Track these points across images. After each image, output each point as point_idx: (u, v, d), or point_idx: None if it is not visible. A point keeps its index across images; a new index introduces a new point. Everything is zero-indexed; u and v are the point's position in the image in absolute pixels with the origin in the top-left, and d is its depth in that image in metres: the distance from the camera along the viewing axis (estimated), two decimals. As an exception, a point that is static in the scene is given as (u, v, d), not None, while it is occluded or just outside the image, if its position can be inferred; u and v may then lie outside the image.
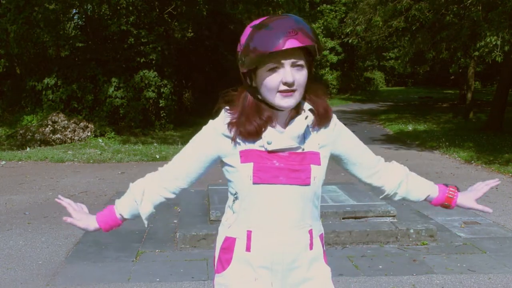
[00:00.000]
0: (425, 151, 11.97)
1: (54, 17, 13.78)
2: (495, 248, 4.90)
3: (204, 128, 1.63)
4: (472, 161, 10.18)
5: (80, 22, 17.56)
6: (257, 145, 1.55)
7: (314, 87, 1.61)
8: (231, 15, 18.52)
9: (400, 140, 14.43)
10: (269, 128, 1.55)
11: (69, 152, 10.97)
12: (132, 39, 14.83)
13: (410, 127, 16.84)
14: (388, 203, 5.50)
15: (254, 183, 1.53)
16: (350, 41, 14.78)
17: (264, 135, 1.54)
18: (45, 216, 6.02)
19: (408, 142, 13.72)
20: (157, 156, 10.60)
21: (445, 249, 4.86)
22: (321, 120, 1.59)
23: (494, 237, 5.27)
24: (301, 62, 1.48)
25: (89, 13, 15.71)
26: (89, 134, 13.33)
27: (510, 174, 8.82)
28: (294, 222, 1.57)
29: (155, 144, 12.54)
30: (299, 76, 1.48)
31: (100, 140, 13.00)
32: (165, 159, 10.48)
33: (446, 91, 36.57)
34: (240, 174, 1.55)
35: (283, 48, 1.40)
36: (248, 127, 1.53)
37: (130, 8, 15.31)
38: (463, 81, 22.07)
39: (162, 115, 15.57)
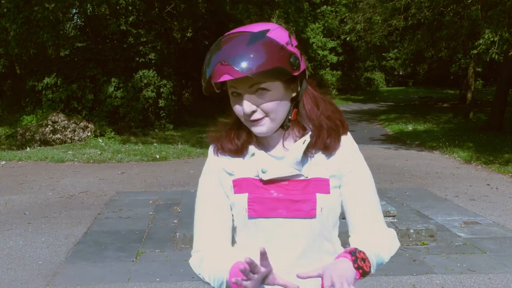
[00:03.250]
0: (425, 151, 11.98)
1: (54, 16, 13.79)
2: (495, 248, 4.90)
3: (200, 180, 1.44)
4: (472, 161, 10.18)
5: (79, 22, 17.57)
6: (251, 173, 1.34)
7: (312, 105, 1.35)
8: (230, 14, 18.52)
9: (400, 140, 14.43)
10: (263, 153, 1.34)
11: (69, 152, 10.97)
12: (132, 39, 14.84)
13: (410, 127, 16.84)
14: (388, 202, 5.50)
15: (249, 217, 1.33)
16: (348, 39, 14.77)
17: (257, 161, 1.33)
18: (45, 216, 6.02)
19: (408, 142, 13.72)
20: (157, 156, 10.60)
21: (445, 249, 4.87)
22: (322, 146, 1.33)
23: (494, 237, 5.27)
24: (262, 85, 1.23)
25: (88, 13, 15.72)
26: (89, 134, 13.33)
27: (510, 174, 8.82)
28: (298, 260, 1.33)
29: (155, 144, 12.55)
30: (263, 102, 1.25)
31: (100, 140, 13.00)
32: (165, 159, 10.48)
33: (446, 91, 36.58)
34: (235, 205, 1.37)
35: (218, 81, 1.22)
36: (228, 145, 1.37)
37: (130, 7, 15.31)
38: (463, 81, 22.08)
39: (162, 115, 15.58)
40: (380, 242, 1.36)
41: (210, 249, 1.42)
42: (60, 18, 14.56)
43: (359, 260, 1.24)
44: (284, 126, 1.32)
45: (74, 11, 16.33)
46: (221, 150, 1.39)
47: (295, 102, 1.32)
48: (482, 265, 4.45)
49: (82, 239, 5.13)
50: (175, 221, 5.67)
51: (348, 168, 1.35)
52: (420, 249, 4.84)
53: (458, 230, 5.48)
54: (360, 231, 1.38)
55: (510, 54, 10.65)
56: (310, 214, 1.31)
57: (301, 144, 1.31)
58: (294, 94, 1.31)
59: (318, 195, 1.31)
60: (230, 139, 1.37)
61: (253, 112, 1.26)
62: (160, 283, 4.03)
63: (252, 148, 1.35)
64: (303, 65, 1.29)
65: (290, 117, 1.32)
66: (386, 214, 5.27)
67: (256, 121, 1.27)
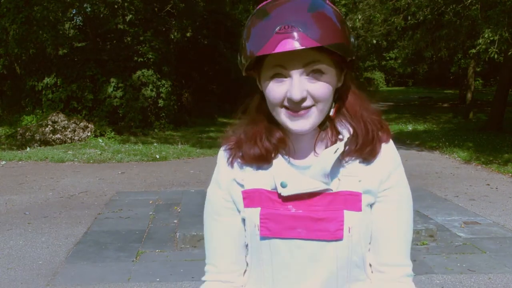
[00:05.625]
0: (425, 151, 11.98)
1: (54, 16, 13.80)
2: (495, 248, 4.90)
3: (209, 190, 1.22)
4: (472, 161, 10.19)
5: (78, 22, 17.60)
6: (266, 185, 1.11)
7: (354, 101, 1.11)
8: (230, 14, 18.53)
9: (400, 140, 14.42)
10: (283, 162, 1.10)
11: (69, 152, 10.97)
12: (129, 39, 14.88)
13: (410, 127, 16.85)
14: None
15: (261, 237, 1.10)
16: None
17: (276, 171, 1.09)
18: (45, 216, 6.03)
19: (408, 142, 13.72)
20: (157, 156, 10.60)
21: (445, 249, 4.86)
22: (362, 151, 1.09)
23: (494, 237, 5.27)
24: (319, 65, 0.99)
25: (88, 12, 15.73)
26: (89, 134, 13.33)
27: (510, 174, 8.82)
28: None
29: (155, 144, 12.55)
30: (316, 87, 1.00)
31: (100, 140, 13.00)
32: (165, 159, 10.48)
33: (446, 91, 36.61)
34: (246, 221, 1.15)
35: (273, 52, 0.95)
36: (252, 150, 1.11)
37: (126, 4, 15.32)
38: (463, 81, 22.11)
39: (161, 115, 15.59)
40: None
41: (217, 276, 1.20)
42: (59, 18, 14.57)
43: None
44: (321, 125, 1.07)
45: (73, 11, 16.34)
46: (241, 158, 1.13)
47: (337, 96, 1.08)
48: (482, 265, 4.44)
49: (82, 239, 5.13)
50: (175, 221, 5.67)
51: (387, 184, 1.10)
52: (420, 249, 4.84)
53: (458, 230, 5.48)
54: (377, 263, 1.14)
55: (509, 53, 10.67)
56: (336, 235, 1.06)
57: (332, 154, 1.05)
58: (338, 85, 1.07)
59: (346, 212, 1.07)
60: (256, 142, 1.11)
61: (303, 99, 0.99)
62: (160, 283, 4.03)
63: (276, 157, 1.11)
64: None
65: (331, 114, 1.08)
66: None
67: (300, 112, 1.01)
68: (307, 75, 0.99)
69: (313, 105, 1.01)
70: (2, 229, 5.48)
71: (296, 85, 0.98)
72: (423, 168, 9.49)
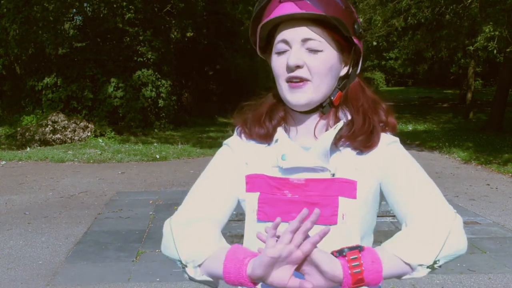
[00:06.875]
0: (425, 151, 11.98)
1: (54, 15, 13.81)
2: (495, 248, 4.90)
3: (219, 151, 1.25)
4: (472, 161, 10.19)
5: (78, 22, 17.60)
6: (266, 168, 1.15)
7: (357, 94, 1.16)
8: (230, 14, 18.53)
9: (400, 140, 14.39)
10: (287, 139, 1.14)
11: (69, 152, 10.97)
12: (128, 39, 14.88)
13: (410, 127, 16.85)
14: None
15: (258, 221, 1.12)
16: None
17: (278, 147, 1.14)
18: (45, 216, 6.03)
19: (408, 142, 13.72)
20: (157, 156, 10.60)
21: (445, 249, 4.86)
22: (356, 139, 1.11)
23: (494, 237, 5.27)
24: (315, 42, 1.06)
25: (88, 12, 15.73)
26: (89, 134, 13.33)
27: (510, 174, 8.82)
28: None
29: (155, 144, 12.55)
30: (313, 59, 1.06)
31: (100, 140, 13.00)
32: (165, 159, 10.48)
33: (446, 91, 36.60)
34: (245, 205, 1.18)
35: (271, 17, 1.05)
36: (256, 129, 1.18)
37: (124, 3, 15.32)
38: (463, 81, 22.11)
39: (161, 115, 15.59)
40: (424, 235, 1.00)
41: (204, 218, 1.10)
42: (60, 19, 14.58)
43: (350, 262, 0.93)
44: (323, 108, 1.13)
45: (74, 11, 16.35)
46: (248, 134, 1.19)
47: (342, 84, 1.14)
48: (482, 265, 4.44)
49: (82, 239, 5.13)
50: (175, 221, 5.66)
51: (388, 161, 1.13)
52: (420, 249, 4.84)
53: (458, 230, 5.47)
54: (419, 221, 1.04)
55: (508, 50, 10.66)
56: (330, 221, 1.07)
57: (332, 130, 1.10)
58: (343, 73, 1.13)
59: (341, 199, 1.08)
60: (260, 122, 1.17)
61: (298, 67, 1.06)
62: (160, 283, 4.03)
63: (277, 133, 1.15)
64: (360, 46, 1.13)
65: (332, 98, 1.12)
66: (386, 214, 5.28)
67: (298, 83, 1.07)
68: (307, 48, 1.06)
69: (309, 80, 1.07)
70: (2, 229, 5.49)
71: (293, 52, 1.06)
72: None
